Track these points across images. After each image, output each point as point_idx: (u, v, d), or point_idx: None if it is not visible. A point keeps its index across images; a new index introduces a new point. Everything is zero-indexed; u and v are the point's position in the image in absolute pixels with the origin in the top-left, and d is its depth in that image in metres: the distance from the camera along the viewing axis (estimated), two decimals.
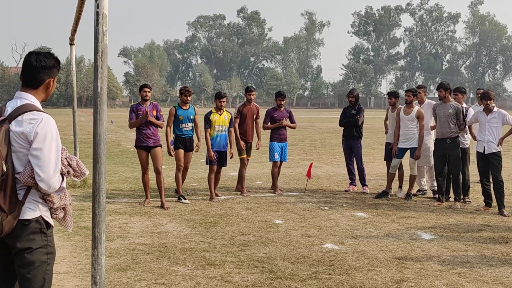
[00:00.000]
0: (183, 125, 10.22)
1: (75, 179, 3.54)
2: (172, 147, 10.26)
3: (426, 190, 11.26)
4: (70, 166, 3.48)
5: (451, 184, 10.16)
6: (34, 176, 3.26)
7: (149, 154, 9.83)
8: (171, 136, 10.32)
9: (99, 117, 3.81)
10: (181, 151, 10.21)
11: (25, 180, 3.28)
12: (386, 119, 11.75)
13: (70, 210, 3.64)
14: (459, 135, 10.07)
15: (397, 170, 11.02)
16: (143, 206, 9.71)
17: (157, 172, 9.76)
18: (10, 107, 3.39)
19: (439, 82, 10.68)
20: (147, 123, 9.72)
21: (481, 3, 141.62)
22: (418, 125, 10.62)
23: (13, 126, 3.29)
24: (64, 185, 3.40)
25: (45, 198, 3.39)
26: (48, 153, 3.26)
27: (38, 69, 3.45)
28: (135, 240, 7.38)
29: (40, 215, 3.38)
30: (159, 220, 8.63)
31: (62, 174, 3.39)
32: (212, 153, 10.26)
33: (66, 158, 3.47)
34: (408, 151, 10.76)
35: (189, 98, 10.30)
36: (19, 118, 3.29)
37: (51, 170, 3.26)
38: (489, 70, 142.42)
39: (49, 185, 3.27)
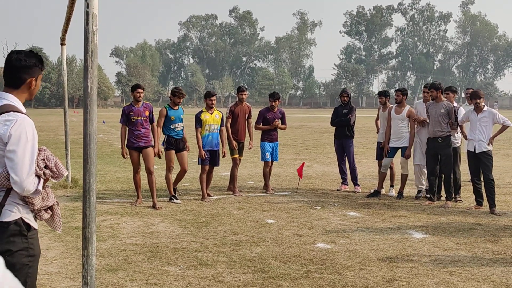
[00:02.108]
0: (175, 125, 10.19)
1: (54, 180, 3.44)
2: (162, 148, 10.22)
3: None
4: (48, 167, 3.39)
5: (443, 183, 10.19)
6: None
7: (141, 154, 9.81)
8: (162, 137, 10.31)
9: (89, 117, 3.80)
10: (173, 152, 10.19)
11: (2, 183, 3.23)
12: (378, 118, 11.77)
13: (58, 211, 3.58)
14: (451, 134, 10.10)
15: (388, 170, 11.05)
16: (135, 206, 9.68)
17: (149, 172, 9.74)
18: None
19: (431, 81, 10.64)
20: (138, 123, 9.70)
21: (472, 2, 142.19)
22: (409, 125, 10.65)
23: None
24: (40, 187, 3.31)
25: (25, 200, 3.33)
26: (21, 156, 3.19)
27: (19, 68, 3.39)
28: (126, 240, 7.36)
29: (20, 217, 3.32)
30: (151, 220, 8.61)
31: (38, 176, 3.32)
32: (203, 152, 10.25)
33: (43, 159, 3.38)
34: (400, 150, 10.79)
35: (181, 101, 10.30)
36: None
37: (25, 173, 3.19)
38: (481, 70, 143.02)
39: (23, 187, 3.19)
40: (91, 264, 3.80)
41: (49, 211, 3.50)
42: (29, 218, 3.38)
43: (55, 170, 3.42)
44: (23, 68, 3.40)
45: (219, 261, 6.40)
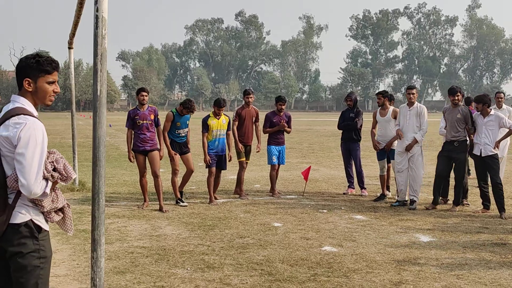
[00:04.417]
0: (180, 131, 10.22)
1: (62, 183, 3.45)
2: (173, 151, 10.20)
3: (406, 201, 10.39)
4: (56, 170, 3.40)
5: (454, 188, 10.03)
6: None
7: (147, 158, 9.84)
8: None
9: (99, 120, 3.83)
10: (177, 156, 10.20)
11: (11, 185, 3.25)
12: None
13: (70, 213, 3.60)
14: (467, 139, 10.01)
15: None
16: (142, 209, 9.71)
17: (155, 176, 9.76)
18: (3, 111, 3.38)
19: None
20: (144, 126, 9.72)
21: (479, 6, 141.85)
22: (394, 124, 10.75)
23: (1, 130, 3.26)
24: (47, 190, 3.31)
25: (35, 202, 3.34)
26: (30, 159, 3.20)
27: (17, 70, 3.44)
28: (134, 243, 7.38)
29: (30, 219, 3.33)
30: (158, 223, 8.64)
31: (46, 179, 3.33)
32: (208, 158, 10.26)
33: (52, 162, 3.40)
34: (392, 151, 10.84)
35: (188, 114, 10.25)
36: (6, 122, 3.26)
37: (33, 176, 3.20)
38: (487, 73, 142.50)
39: (30, 191, 3.20)
40: (100, 266, 3.82)
41: (60, 213, 3.52)
42: (39, 220, 3.40)
43: (63, 172, 3.43)
44: (17, 69, 3.44)
45: (226, 264, 6.42)
